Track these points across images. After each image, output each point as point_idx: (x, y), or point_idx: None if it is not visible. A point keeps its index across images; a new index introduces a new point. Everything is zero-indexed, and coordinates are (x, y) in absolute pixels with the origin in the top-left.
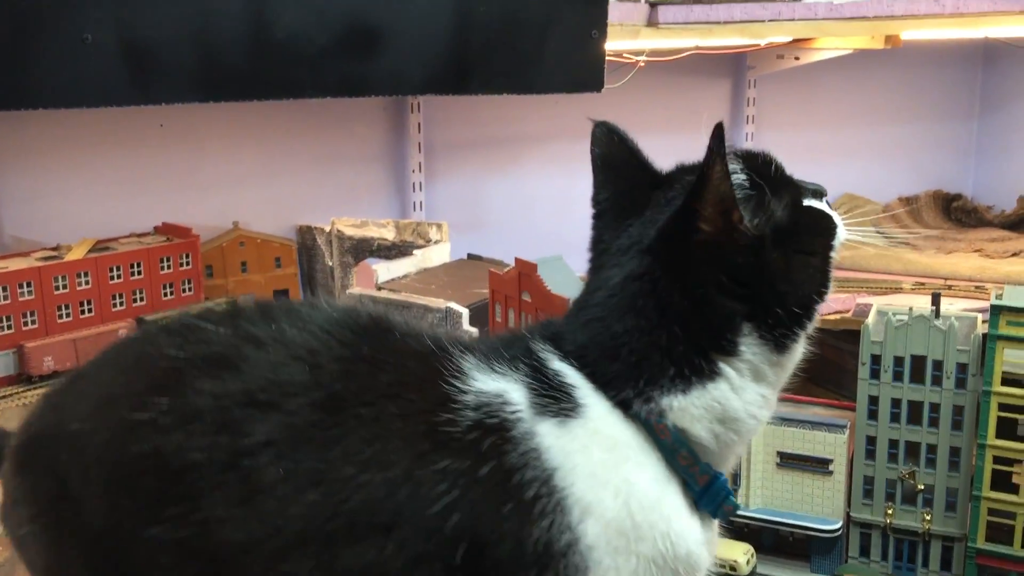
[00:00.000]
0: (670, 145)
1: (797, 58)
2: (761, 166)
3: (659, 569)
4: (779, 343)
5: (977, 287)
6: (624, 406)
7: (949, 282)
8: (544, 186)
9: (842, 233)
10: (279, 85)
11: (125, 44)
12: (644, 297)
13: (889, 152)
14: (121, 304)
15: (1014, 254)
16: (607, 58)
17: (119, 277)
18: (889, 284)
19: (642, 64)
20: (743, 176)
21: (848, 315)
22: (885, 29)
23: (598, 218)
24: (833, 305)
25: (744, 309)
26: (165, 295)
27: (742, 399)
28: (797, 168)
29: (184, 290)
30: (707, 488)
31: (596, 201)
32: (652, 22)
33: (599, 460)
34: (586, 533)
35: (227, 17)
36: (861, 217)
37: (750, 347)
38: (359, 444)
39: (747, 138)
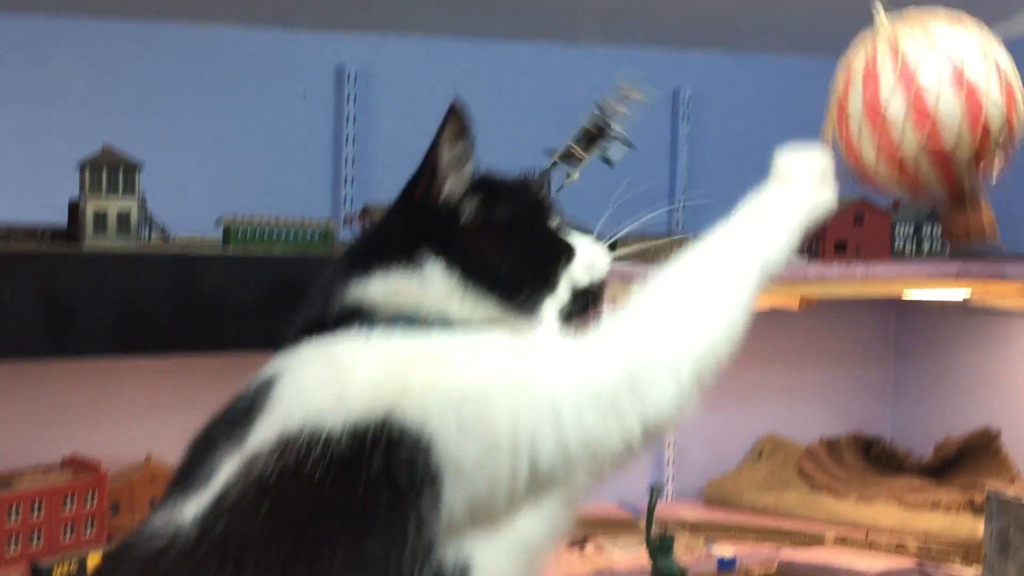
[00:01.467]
0: None
1: None
2: (510, 184)
3: None
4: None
5: (898, 546)
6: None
7: (870, 536)
8: None
9: (590, 262)
10: (202, 340)
11: (45, 299)
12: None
13: (809, 395)
14: (16, 547)
15: (933, 504)
16: None
17: (17, 518)
18: (811, 536)
19: None
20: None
21: (772, 571)
22: (799, 291)
23: None
24: (757, 557)
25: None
26: (64, 537)
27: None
28: (720, 410)
29: (85, 532)
30: None
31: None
32: None
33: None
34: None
35: (151, 274)
36: (784, 459)
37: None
38: None
39: None
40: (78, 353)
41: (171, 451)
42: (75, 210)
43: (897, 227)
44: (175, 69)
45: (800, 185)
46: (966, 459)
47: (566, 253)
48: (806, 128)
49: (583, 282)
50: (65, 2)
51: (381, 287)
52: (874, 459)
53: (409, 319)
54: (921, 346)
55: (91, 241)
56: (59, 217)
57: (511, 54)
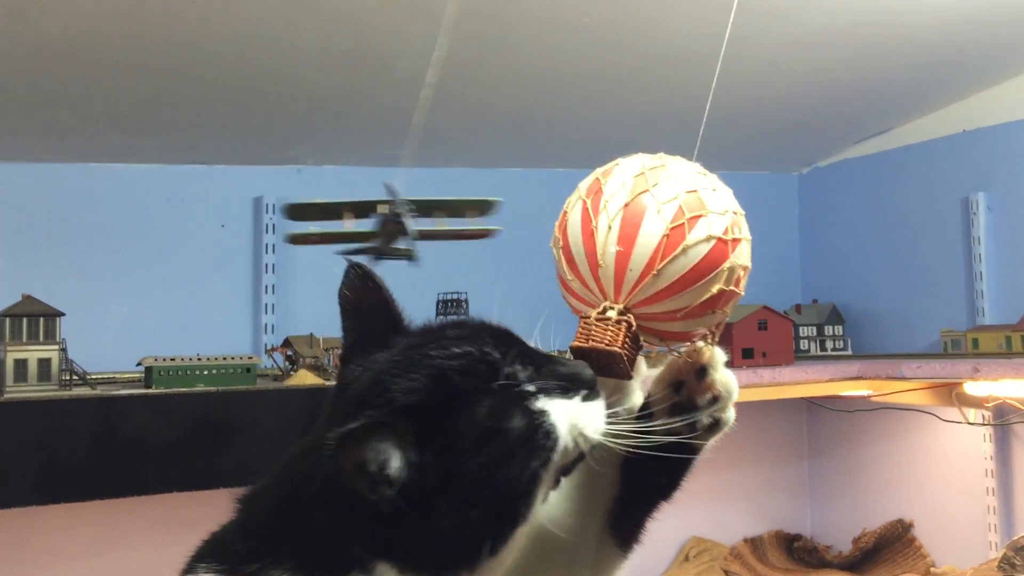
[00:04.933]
0: None
1: None
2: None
3: None
4: None
5: None
6: None
7: None
8: None
9: (575, 436)
10: (124, 484)
11: None
12: (287, 504)
13: (731, 495)
14: None
15: None
16: None
17: None
18: None
19: None
20: (397, 454)
21: None
22: None
23: (344, 363)
24: None
25: (360, 551)
26: None
27: None
28: None
29: None
30: None
31: (344, 348)
32: None
33: None
34: None
35: (73, 420)
36: (710, 561)
37: None
38: None
39: None
40: None
41: None
42: None
43: (800, 329)
44: (92, 209)
45: None
46: (883, 550)
47: (544, 459)
48: None
49: (566, 460)
50: None
51: None
52: (797, 555)
53: None
54: (832, 442)
55: (12, 389)
56: None
57: (443, 176)
